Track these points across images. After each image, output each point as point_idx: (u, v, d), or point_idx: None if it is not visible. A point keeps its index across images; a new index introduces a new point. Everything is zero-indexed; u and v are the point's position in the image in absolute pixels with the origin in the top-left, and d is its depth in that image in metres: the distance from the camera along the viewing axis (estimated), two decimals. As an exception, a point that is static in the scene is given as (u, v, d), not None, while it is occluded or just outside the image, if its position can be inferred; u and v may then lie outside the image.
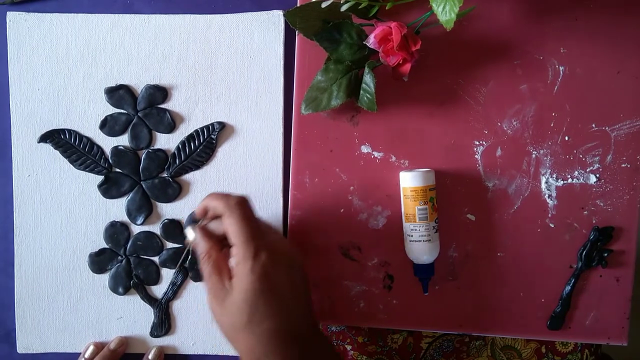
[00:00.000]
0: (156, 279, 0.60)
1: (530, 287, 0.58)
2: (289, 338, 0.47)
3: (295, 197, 0.58)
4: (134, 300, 0.60)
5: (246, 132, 0.59)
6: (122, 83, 0.59)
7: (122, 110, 0.59)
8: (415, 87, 0.57)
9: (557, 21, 0.57)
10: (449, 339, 0.61)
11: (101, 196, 0.59)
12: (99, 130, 0.59)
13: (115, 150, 0.59)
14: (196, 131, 0.59)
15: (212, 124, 0.59)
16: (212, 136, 0.59)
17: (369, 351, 0.61)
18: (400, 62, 0.52)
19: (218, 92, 0.59)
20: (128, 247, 0.59)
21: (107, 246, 0.59)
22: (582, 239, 0.58)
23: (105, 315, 0.60)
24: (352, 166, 0.58)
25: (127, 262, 0.59)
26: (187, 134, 0.59)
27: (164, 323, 0.60)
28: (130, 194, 0.59)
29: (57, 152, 0.59)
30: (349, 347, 0.61)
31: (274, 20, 0.58)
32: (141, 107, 0.59)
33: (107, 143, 0.59)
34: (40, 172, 0.59)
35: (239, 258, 0.47)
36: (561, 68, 0.57)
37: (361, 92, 0.54)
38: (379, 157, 0.58)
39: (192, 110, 0.59)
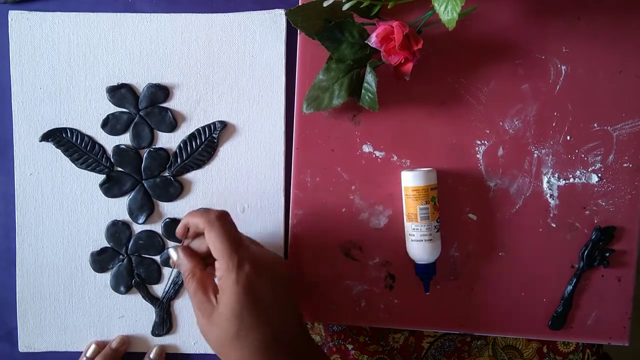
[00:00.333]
0: (157, 278, 0.60)
1: (531, 287, 0.58)
2: (278, 348, 0.47)
3: (296, 196, 0.58)
4: (136, 299, 0.60)
5: (248, 131, 0.59)
6: (123, 82, 0.59)
7: (123, 109, 0.59)
8: (417, 86, 0.57)
9: (559, 21, 0.57)
10: (451, 338, 0.61)
11: (103, 195, 0.59)
12: (101, 129, 0.59)
13: (117, 149, 0.59)
14: (198, 130, 0.59)
15: (214, 123, 0.59)
16: (214, 135, 0.59)
17: (371, 351, 0.61)
18: (402, 62, 0.52)
19: (220, 91, 0.59)
20: (129, 246, 0.59)
21: (108, 245, 0.59)
22: (584, 238, 0.58)
23: (107, 314, 0.60)
24: (354, 165, 0.58)
25: (128, 261, 0.59)
26: (188, 133, 0.59)
27: (165, 322, 0.60)
28: (132, 193, 0.59)
29: (58, 151, 0.59)
30: (350, 347, 0.61)
31: (276, 19, 0.58)
32: (143, 106, 0.59)
33: (109, 142, 0.59)
34: (42, 171, 0.59)
35: (222, 271, 0.47)
36: (563, 67, 0.57)
37: (363, 91, 0.54)
38: (380, 157, 0.58)
39: (194, 109, 0.59)
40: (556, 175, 0.57)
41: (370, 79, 0.53)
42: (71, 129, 0.59)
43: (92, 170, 0.59)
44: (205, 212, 0.50)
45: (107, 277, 0.59)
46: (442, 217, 0.57)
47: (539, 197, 0.58)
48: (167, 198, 0.59)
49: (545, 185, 0.57)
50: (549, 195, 0.58)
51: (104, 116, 0.59)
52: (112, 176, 0.59)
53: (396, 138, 0.58)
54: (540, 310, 0.58)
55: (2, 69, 0.59)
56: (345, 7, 0.51)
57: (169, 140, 0.59)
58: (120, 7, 0.59)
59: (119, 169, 0.59)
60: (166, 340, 0.60)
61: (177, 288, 0.60)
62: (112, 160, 0.59)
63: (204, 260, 0.51)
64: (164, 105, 0.59)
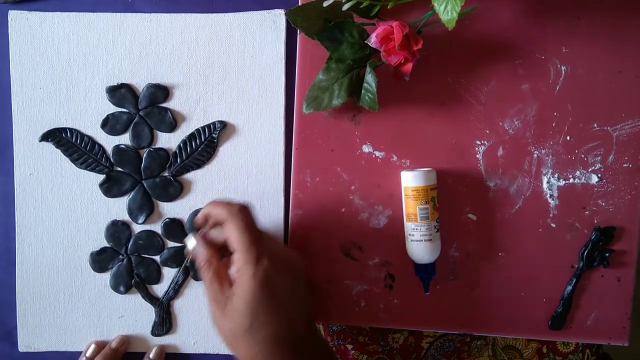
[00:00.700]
0: (157, 278, 0.60)
1: (531, 287, 0.58)
2: (290, 344, 0.47)
3: (296, 196, 0.58)
4: (135, 299, 0.60)
5: (247, 131, 0.59)
6: (123, 82, 0.59)
7: (123, 109, 0.59)
8: (417, 86, 0.57)
9: (559, 21, 0.57)
10: (450, 338, 0.61)
11: (102, 195, 0.59)
12: (101, 129, 0.59)
13: (117, 149, 0.59)
14: (197, 130, 0.59)
15: (214, 123, 0.59)
16: (214, 135, 0.59)
17: (370, 351, 0.61)
18: (402, 62, 0.52)
19: (219, 91, 0.59)
20: (129, 246, 0.59)
21: (108, 245, 0.59)
22: (584, 239, 0.58)
23: (107, 314, 0.60)
24: (354, 165, 0.58)
25: (128, 261, 0.60)
26: (188, 133, 0.59)
27: (165, 322, 0.60)
28: (132, 193, 0.59)
29: (58, 151, 0.59)
30: (349, 347, 0.61)
31: (276, 19, 0.58)
32: (142, 106, 0.59)
33: (109, 142, 0.59)
34: (41, 171, 0.59)
35: (240, 264, 0.47)
36: (563, 67, 0.57)
37: (362, 91, 0.54)
38: (380, 157, 0.58)
39: (194, 109, 0.59)
40: (556, 176, 0.57)
41: (370, 79, 0.53)
42: (71, 129, 0.59)
43: (92, 170, 0.59)
44: (227, 203, 0.50)
45: (106, 277, 0.59)
46: (442, 217, 0.57)
47: (538, 197, 0.58)
48: (167, 198, 0.59)
49: (545, 185, 0.57)
50: (548, 195, 0.57)
51: (104, 116, 0.59)
52: (111, 176, 0.59)
53: (396, 138, 0.58)
54: (540, 311, 0.58)
55: (1, 69, 0.59)
56: (345, 7, 0.51)
57: (168, 140, 0.59)
58: (120, 7, 0.59)
59: (119, 169, 0.59)
60: (166, 340, 0.60)
61: (177, 288, 0.60)
62: (111, 160, 0.59)
63: (220, 251, 0.51)
64: (164, 105, 0.59)
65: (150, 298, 0.60)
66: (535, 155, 0.57)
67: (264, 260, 0.47)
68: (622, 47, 0.57)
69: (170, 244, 0.60)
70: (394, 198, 0.58)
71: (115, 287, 0.59)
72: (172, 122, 0.59)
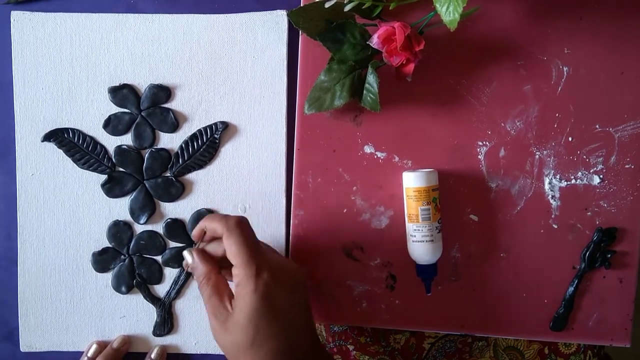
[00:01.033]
0: (159, 278, 0.60)
1: (533, 288, 0.58)
2: (293, 356, 0.47)
3: (298, 197, 0.58)
4: (137, 300, 0.60)
5: (249, 132, 0.59)
6: (125, 82, 0.59)
7: (125, 110, 0.59)
8: (419, 87, 0.57)
9: (561, 21, 0.57)
10: (452, 339, 0.61)
11: (104, 195, 0.59)
12: (103, 130, 0.59)
13: (119, 149, 0.59)
14: (199, 131, 0.59)
15: (215, 124, 0.59)
16: (215, 136, 0.59)
17: (372, 351, 0.61)
18: (404, 62, 0.52)
19: (221, 92, 0.59)
20: (131, 246, 0.60)
21: (110, 245, 0.59)
22: (586, 240, 0.57)
23: (108, 314, 0.60)
24: (355, 166, 0.58)
25: (130, 261, 0.60)
26: (190, 134, 0.59)
27: (166, 322, 0.60)
28: (134, 193, 0.59)
29: (60, 151, 0.59)
30: (351, 347, 0.61)
31: (278, 20, 0.58)
32: (145, 107, 0.59)
33: (111, 142, 0.59)
34: (43, 171, 0.59)
35: (240, 278, 0.47)
36: (565, 68, 0.57)
37: (364, 92, 0.54)
38: (382, 157, 0.58)
39: (196, 110, 0.59)
40: (558, 177, 0.57)
41: (371, 79, 0.53)
42: (73, 129, 0.59)
43: (94, 170, 0.59)
44: (224, 217, 0.50)
45: (108, 277, 0.60)
46: (444, 218, 0.57)
47: (540, 198, 0.57)
48: (169, 198, 0.59)
49: (546, 186, 0.57)
50: (550, 196, 0.57)
51: (106, 116, 0.59)
52: (113, 176, 0.59)
53: (398, 139, 0.58)
54: (541, 312, 0.58)
55: (4, 69, 0.59)
56: (347, 8, 0.51)
57: (170, 141, 0.59)
58: (122, 8, 0.59)
59: (121, 169, 0.59)
60: (167, 340, 0.60)
61: (178, 288, 0.60)
62: (113, 160, 0.59)
63: (219, 265, 0.51)
64: (166, 105, 0.59)
65: (152, 298, 0.60)
66: (537, 156, 0.57)
67: (264, 274, 0.47)
68: (624, 47, 0.56)
69: (172, 244, 0.60)
70: (396, 199, 0.58)
71: (117, 287, 0.59)
72: (174, 123, 0.59)
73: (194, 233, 0.53)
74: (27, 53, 0.58)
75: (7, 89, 0.59)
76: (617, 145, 0.57)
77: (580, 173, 0.57)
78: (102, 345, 0.59)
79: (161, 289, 0.60)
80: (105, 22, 0.58)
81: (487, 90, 0.57)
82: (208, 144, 0.59)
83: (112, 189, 0.59)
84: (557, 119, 0.57)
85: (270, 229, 0.59)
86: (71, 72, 0.59)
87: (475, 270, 0.58)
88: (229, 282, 0.50)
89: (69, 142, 0.59)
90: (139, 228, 0.60)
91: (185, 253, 0.52)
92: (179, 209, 0.59)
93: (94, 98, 0.59)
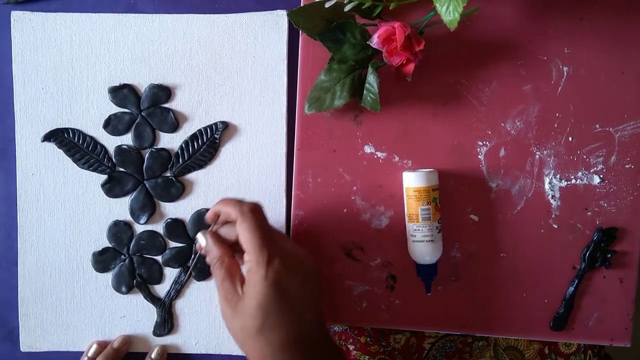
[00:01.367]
0: (159, 278, 0.60)
1: (533, 288, 0.58)
2: (302, 346, 0.47)
3: (298, 197, 0.58)
4: (137, 300, 0.60)
5: (249, 132, 0.59)
6: (125, 82, 0.59)
7: (125, 110, 0.59)
8: (419, 87, 0.57)
9: (561, 21, 0.57)
10: (452, 339, 0.61)
11: (104, 195, 0.59)
12: (103, 130, 0.59)
13: (119, 149, 0.59)
14: (199, 131, 0.59)
15: (216, 124, 0.59)
16: (216, 136, 0.59)
17: (372, 351, 0.61)
18: (404, 62, 0.52)
19: (221, 92, 0.59)
20: (131, 246, 0.59)
21: (110, 245, 0.59)
22: (586, 239, 0.57)
23: (109, 314, 0.60)
24: (355, 166, 0.58)
25: (130, 261, 0.60)
26: (190, 134, 0.59)
27: (166, 322, 0.60)
28: (134, 193, 0.59)
29: (60, 151, 0.59)
30: (351, 347, 0.61)
31: (278, 20, 0.58)
32: (145, 107, 0.59)
33: (111, 142, 0.59)
34: (44, 171, 0.59)
35: (251, 264, 0.47)
36: (565, 68, 0.57)
37: (364, 92, 0.54)
38: (382, 157, 0.58)
39: (196, 110, 0.59)
40: (558, 176, 0.57)
41: (372, 79, 0.53)
42: (73, 129, 0.59)
43: (94, 170, 0.59)
44: (238, 202, 0.50)
45: (108, 277, 0.60)
46: (444, 217, 0.57)
47: (540, 198, 0.57)
48: (169, 198, 0.59)
49: (547, 186, 0.57)
50: (550, 196, 0.57)
51: (106, 116, 0.59)
52: (113, 176, 0.59)
53: (398, 139, 0.58)
54: (541, 311, 0.58)
55: (4, 69, 0.59)
56: (347, 8, 0.51)
57: (170, 141, 0.59)
58: (122, 8, 0.59)
59: (121, 169, 0.59)
60: (167, 340, 0.60)
61: (178, 288, 0.60)
62: (113, 160, 0.59)
63: (231, 249, 0.51)
64: (166, 105, 0.59)
65: (152, 298, 0.60)
66: (537, 156, 0.57)
67: (275, 262, 0.46)
68: (624, 47, 0.56)
69: (172, 244, 0.60)
70: (396, 199, 0.58)
71: (117, 287, 0.59)
72: (174, 123, 0.59)
73: (208, 215, 0.52)
74: (27, 53, 0.58)
75: (7, 89, 0.59)
76: (617, 145, 0.57)
77: (580, 173, 0.57)
78: (103, 345, 0.59)
79: (161, 289, 0.60)
80: (105, 22, 0.59)
81: (487, 90, 0.57)
82: (208, 144, 0.59)
83: (112, 189, 0.59)
84: (557, 119, 0.57)
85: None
86: (71, 72, 0.59)
87: (475, 270, 0.58)
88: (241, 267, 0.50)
89: (69, 142, 0.59)
90: (139, 228, 0.60)
91: (200, 235, 0.51)
92: (179, 209, 0.59)
93: (94, 98, 0.59)
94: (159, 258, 0.60)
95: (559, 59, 0.57)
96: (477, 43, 0.57)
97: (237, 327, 0.47)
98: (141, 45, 0.59)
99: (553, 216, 0.57)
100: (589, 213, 0.57)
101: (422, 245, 0.55)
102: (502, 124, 0.57)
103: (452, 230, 0.58)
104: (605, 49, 0.57)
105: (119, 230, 0.59)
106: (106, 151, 0.59)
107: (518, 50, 0.57)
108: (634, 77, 0.57)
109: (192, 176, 0.59)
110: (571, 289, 0.57)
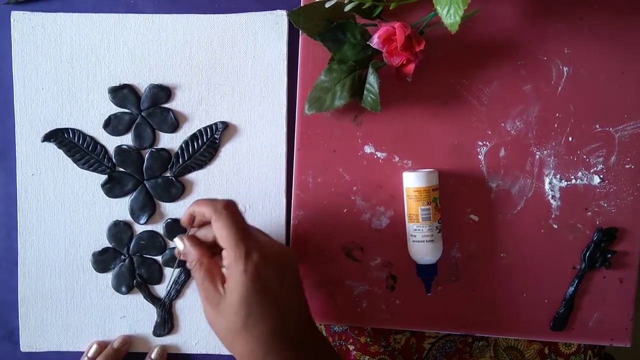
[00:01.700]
0: (159, 278, 0.60)
1: (533, 288, 0.58)
2: (287, 338, 0.47)
3: (298, 197, 0.58)
4: (137, 300, 0.60)
5: (249, 132, 0.59)
6: (125, 82, 0.59)
7: (125, 110, 0.59)
8: (419, 87, 0.57)
9: (560, 21, 0.57)
10: (452, 339, 0.61)
11: (104, 195, 0.59)
12: (103, 130, 0.59)
13: (119, 149, 0.59)
14: (199, 131, 0.59)
15: (216, 124, 0.59)
16: (216, 136, 0.59)
17: (372, 351, 0.61)
18: (404, 63, 0.52)
19: (221, 92, 0.59)
20: (131, 247, 0.60)
21: (110, 245, 0.59)
22: (586, 240, 0.57)
23: (109, 314, 0.60)
24: (355, 166, 0.58)
25: (130, 261, 0.60)
26: (190, 134, 0.59)
27: (166, 322, 0.60)
28: (134, 194, 0.59)
29: (60, 152, 0.59)
30: (351, 347, 0.61)
31: (278, 20, 0.58)
32: (145, 107, 0.59)
33: (111, 142, 0.59)
34: (44, 171, 0.59)
35: (230, 260, 0.47)
36: (565, 68, 0.57)
37: (365, 92, 0.54)
38: (382, 157, 0.58)
39: (196, 110, 0.59)
40: (558, 177, 0.57)
41: (372, 80, 0.53)
42: (73, 130, 0.59)
43: (94, 170, 0.59)
44: (212, 201, 0.50)
45: (108, 277, 0.60)
46: (444, 218, 0.57)
47: (540, 198, 0.57)
48: (169, 198, 0.59)
49: (547, 186, 0.57)
50: (550, 196, 0.57)
51: (106, 117, 0.59)
52: (113, 176, 0.59)
53: (398, 139, 0.58)
54: (541, 312, 0.58)
55: (4, 69, 0.59)
56: (348, 8, 0.51)
57: (170, 141, 0.59)
58: (122, 8, 0.59)
59: (121, 169, 0.59)
60: (167, 340, 0.60)
61: (178, 288, 0.60)
62: (113, 160, 0.59)
63: (211, 250, 0.51)
64: (166, 105, 0.59)
65: (152, 298, 0.60)
66: (537, 156, 0.57)
67: (253, 255, 0.47)
68: (624, 47, 0.56)
69: (172, 244, 0.60)
70: (396, 199, 0.58)
71: (117, 288, 0.59)
72: (174, 123, 0.59)
73: (183, 218, 0.53)
74: (27, 53, 0.58)
75: (7, 89, 0.59)
76: (617, 145, 0.57)
77: (580, 173, 0.57)
78: (103, 346, 0.59)
79: (161, 289, 0.60)
80: (105, 22, 0.58)
81: (488, 90, 0.57)
82: (208, 144, 0.59)
83: (112, 189, 0.59)
84: (557, 119, 0.57)
85: (270, 229, 0.59)
86: (71, 72, 0.59)
87: (475, 270, 0.58)
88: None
89: (69, 142, 0.59)
90: (139, 228, 0.60)
91: (177, 240, 0.51)
92: (179, 209, 0.59)
93: (94, 98, 0.59)
94: (159, 258, 0.60)
95: (559, 59, 0.57)
96: (477, 43, 0.57)
97: (222, 326, 0.47)
98: (141, 45, 0.59)
99: (553, 216, 0.58)
100: (589, 213, 0.57)
101: (422, 245, 0.55)
102: (502, 124, 0.57)
103: (452, 230, 0.58)
104: (605, 49, 0.57)
105: (119, 231, 0.59)
106: (106, 151, 0.59)
107: (518, 51, 0.57)
108: (634, 77, 0.57)
109: (192, 176, 0.59)
110: (571, 289, 0.57)
